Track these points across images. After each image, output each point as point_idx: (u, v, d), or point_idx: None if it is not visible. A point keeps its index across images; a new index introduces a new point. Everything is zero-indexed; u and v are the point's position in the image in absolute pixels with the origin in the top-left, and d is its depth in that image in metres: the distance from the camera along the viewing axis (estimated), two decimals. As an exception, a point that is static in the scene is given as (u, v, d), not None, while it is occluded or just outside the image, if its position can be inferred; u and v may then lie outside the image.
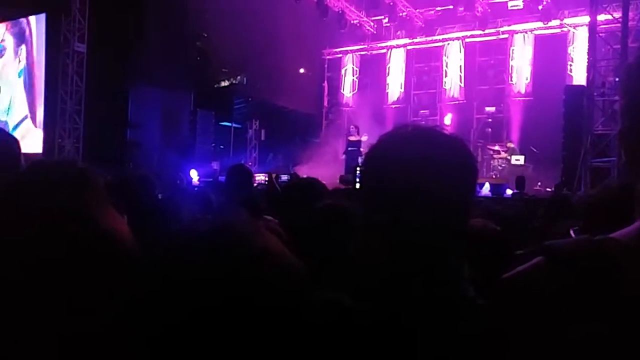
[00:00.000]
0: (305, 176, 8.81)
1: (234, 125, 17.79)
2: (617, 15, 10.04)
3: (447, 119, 17.48)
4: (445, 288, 0.94)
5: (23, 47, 14.92)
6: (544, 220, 2.84)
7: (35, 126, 14.69)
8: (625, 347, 0.66)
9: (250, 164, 16.61)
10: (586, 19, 11.92)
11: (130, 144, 14.24)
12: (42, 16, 14.36)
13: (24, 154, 2.32)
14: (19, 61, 15.02)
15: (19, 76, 15.07)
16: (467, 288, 0.97)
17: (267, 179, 7.56)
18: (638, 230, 0.74)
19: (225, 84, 18.48)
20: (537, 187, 12.17)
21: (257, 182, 10.78)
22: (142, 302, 0.78)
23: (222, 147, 17.41)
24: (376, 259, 0.99)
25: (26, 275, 0.79)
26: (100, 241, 0.85)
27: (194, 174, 12.53)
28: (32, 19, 14.59)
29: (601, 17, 10.59)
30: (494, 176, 14.41)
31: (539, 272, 0.75)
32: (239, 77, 18.36)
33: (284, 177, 11.24)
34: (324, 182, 3.20)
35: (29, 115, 14.89)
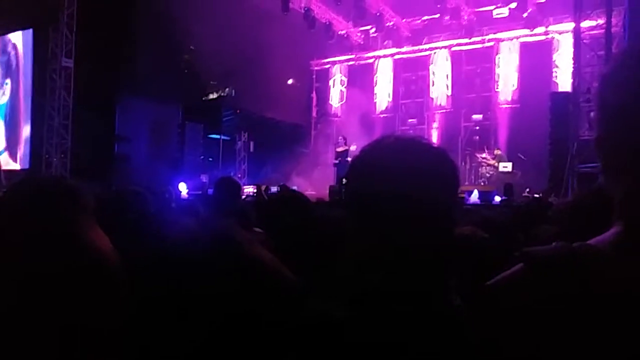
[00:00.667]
0: (294, 188, 8.80)
1: (223, 137, 17.77)
2: (601, 21, 10.20)
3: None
4: (432, 297, 0.95)
5: (9, 80, 14.83)
6: (519, 227, 2.86)
7: (15, 161, 14.53)
8: (603, 349, 0.67)
9: (239, 176, 16.60)
10: (571, 25, 12.09)
11: (118, 157, 14.18)
12: (29, 32, 14.33)
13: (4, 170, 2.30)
14: (3, 94, 14.91)
15: (0, 111, 14.94)
16: (453, 297, 0.97)
17: (255, 191, 7.53)
18: (614, 236, 0.75)
19: (213, 96, 18.49)
20: (526, 194, 12.24)
21: (246, 194, 10.77)
22: (136, 312, 0.78)
23: (211, 159, 17.38)
24: (362, 269, 0.99)
25: (11, 289, 0.79)
26: (84, 259, 0.85)
27: (182, 187, 12.49)
28: (18, 38, 14.54)
29: (585, 24, 10.74)
30: (482, 183, 14.50)
31: (519, 279, 0.77)
32: (227, 89, 18.37)
33: (274, 189, 11.21)
34: (314, 192, 3.20)
35: (6, 149, 14.76)
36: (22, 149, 14.53)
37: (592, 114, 9.26)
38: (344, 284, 1.03)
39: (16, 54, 14.62)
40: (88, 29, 13.42)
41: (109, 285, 0.85)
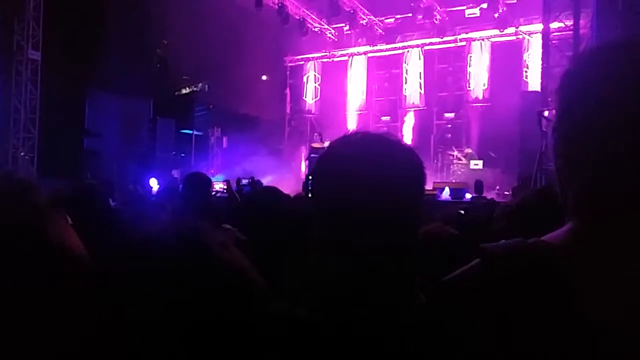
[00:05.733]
0: (267, 184, 8.76)
1: (195, 132, 17.59)
2: (569, 23, 10.41)
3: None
4: (394, 297, 0.94)
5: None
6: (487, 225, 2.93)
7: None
8: (556, 339, 0.69)
9: (212, 172, 16.46)
10: (540, 26, 12.29)
11: (88, 153, 13.91)
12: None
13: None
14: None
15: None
16: (417, 295, 0.97)
17: (225, 187, 7.44)
18: (568, 232, 0.77)
19: (185, 91, 18.27)
20: (496, 191, 12.43)
21: (216, 190, 10.70)
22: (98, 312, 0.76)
23: (183, 155, 17.19)
24: (324, 266, 0.99)
25: None
26: (49, 252, 0.82)
27: (153, 183, 12.32)
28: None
29: (554, 25, 10.95)
30: (453, 181, 14.67)
31: (476, 274, 0.78)
32: (200, 84, 18.17)
33: (244, 181, 11.21)
34: (286, 188, 3.17)
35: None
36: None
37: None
38: (308, 280, 1.03)
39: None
40: (56, 21, 13.09)
41: (76, 280, 0.82)
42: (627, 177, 0.72)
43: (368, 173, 0.94)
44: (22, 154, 13.63)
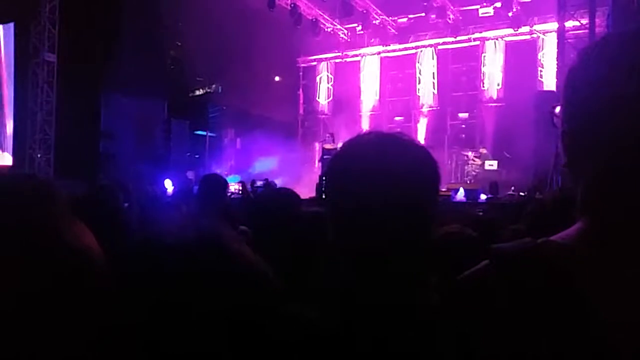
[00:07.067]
0: (281, 185, 8.78)
1: (209, 134, 17.69)
2: (585, 21, 10.31)
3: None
4: (405, 297, 0.94)
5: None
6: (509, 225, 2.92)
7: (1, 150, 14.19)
8: (565, 339, 0.68)
9: (226, 173, 16.55)
10: (555, 25, 12.18)
11: (103, 154, 14.04)
12: (10, 26, 14.09)
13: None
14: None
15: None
16: (431, 295, 0.96)
17: (241, 188, 7.47)
18: (576, 231, 0.77)
19: (199, 92, 18.38)
20: (511, 192, 12.33)
21: (231, 192, 10.78)
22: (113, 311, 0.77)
23: (197, 156, 17.29)
24: (338, 267, 0.99)
25: None
26: (67, 254, 0.83)
27: (168, 184, 12.40)
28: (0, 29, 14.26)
29: (569, 24, 10.85)
30: (468, 182, 14.58)
31: (484, 274, 0.79)
32: (213, 86, 18.27)
33: (259, 183, 11.28)
34: (300, 190, 3.17)
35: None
36: (5, 145, 14.26)
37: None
38: (321, 281, 1.03)
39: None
40: (72, 24, 13.24)
41: (94, 282, 0.83)
42: (625, 177, 0.71)
43: (381, 173, 0.93)
44: (38, 155, 13.79)
